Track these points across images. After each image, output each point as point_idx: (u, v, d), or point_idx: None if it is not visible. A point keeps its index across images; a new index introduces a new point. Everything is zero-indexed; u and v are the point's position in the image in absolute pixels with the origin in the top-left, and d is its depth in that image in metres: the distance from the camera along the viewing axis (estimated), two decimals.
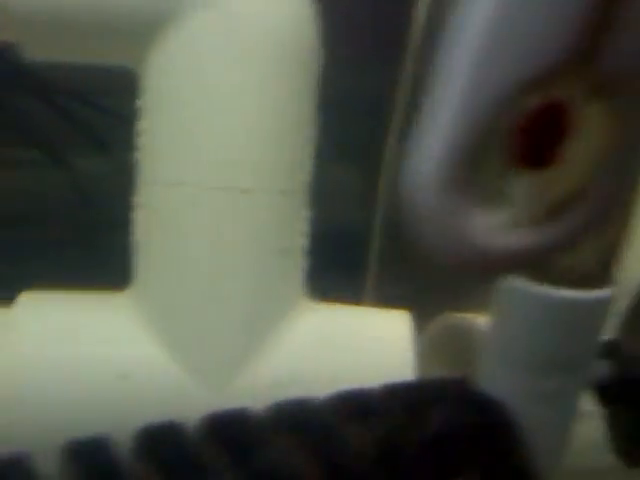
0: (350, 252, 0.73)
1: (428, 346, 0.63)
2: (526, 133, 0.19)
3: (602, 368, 0.40)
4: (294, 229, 0.61)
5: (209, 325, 0.58)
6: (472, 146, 0.19)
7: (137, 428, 0.29)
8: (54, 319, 0.57)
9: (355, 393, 0.33)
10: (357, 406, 0.32)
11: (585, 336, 0.37)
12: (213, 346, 0.58)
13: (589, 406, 0.43)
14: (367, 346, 0.58)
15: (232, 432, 0.30)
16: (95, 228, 0.71)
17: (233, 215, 0.57)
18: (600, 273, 0.36)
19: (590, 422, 0.44)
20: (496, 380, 0.38)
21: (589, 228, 0.23)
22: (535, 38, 0.17)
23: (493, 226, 0.21)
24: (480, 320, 0.58)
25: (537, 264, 0.32)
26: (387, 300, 0.66)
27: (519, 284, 0.36)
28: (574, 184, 0.21)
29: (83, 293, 0.59)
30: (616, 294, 0.37)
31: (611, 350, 0.40)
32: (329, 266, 0.69)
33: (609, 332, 0.44)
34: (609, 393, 0.40)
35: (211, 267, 0.57)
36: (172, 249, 0.57)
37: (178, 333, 0.58)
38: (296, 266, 0.61)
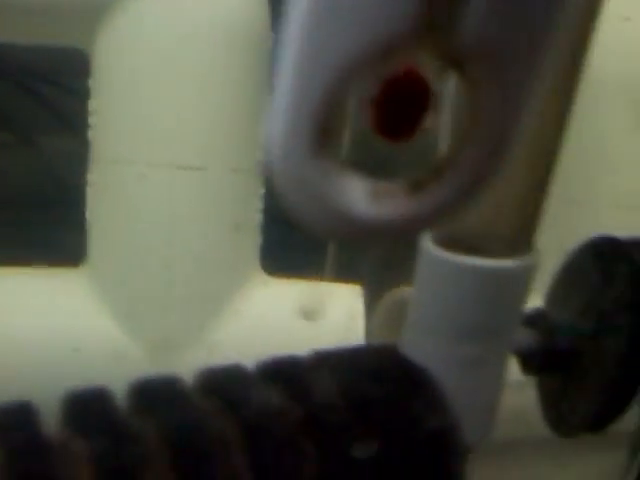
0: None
1: (381, 319, 0.64)
2: (380, 103, 0.20)
3: (527, 337, 0.41)
4: (248, 206, 0.61)
5: (162, 299, 0.58)
6: (322, 115, 0.19)
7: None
8: (6, 292, 0.58)
9: (285, 358, 0.34)
10: (284, 370, 0.33)
11: (505, 304, 0.38)
12: (166, 320, 0.59)
13: (521, 376, 0.44)
14: (318, 319, 0.58)
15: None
16: (60, 206, 0.72)
17: (185, 192, 0.58)
18: (519, 241, 0.37)
19: (524, 392, 0.45)
20: (419, 348, 0.39)
21: (461, 199, 0.23)
22: (374, 6, 0.17)
23: (363, 194, 0.22)
24: None
25: (420, 233, 0.32)
26: (347, 275, 0.67)
27: (437, 253, 0.37)
28: (441, 155, 0.21)
29: (39, 268, 0.60)
30: (539, 263, 0.38)
31: (536, 319, 0.41)
32: (291, 241, 0.69)
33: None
34: (534, 362, 0.41)
35: (163, 243, 0.58)
36: (124, 225, 0.58)
37: (131, 307, 0.59)
38: (251, 242, 0.62)
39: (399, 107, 0.20)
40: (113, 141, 0.58)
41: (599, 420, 0.41)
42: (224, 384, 0.32)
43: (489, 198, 0.37)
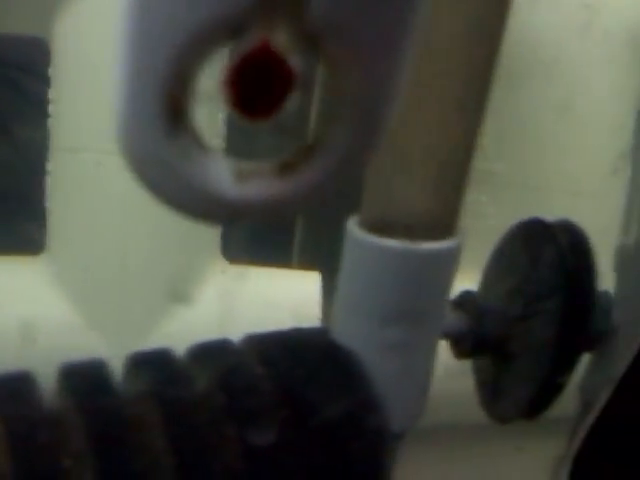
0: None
1: None
2: (236, 81, 0.20)
3: (457, 320, 0.41)
4: None
5: (120, 287, 0.59)
6: (170, 92, 0.19)
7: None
8: None
9: (215, 343, 0.34)
10: (213, 355, 0.34)
11: (430, 287, 0.38)
12: (124, 307, 0.59)
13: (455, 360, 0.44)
14: (275, 306, 0.59)
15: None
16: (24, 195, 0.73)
17: None
18: (442, 224, 0.37)
19: (461, 378, 0.45)
20: (348, 331, 0.39)
21: (332, 180, 0.23)
22: None
23: (227, 174, 0.21)
24: None
25: (296, 214, 0.32)
26: (313, 262, 0.67)
27: (361, 236, 0.37)
28: (306, 137, 0.21)
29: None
30: (463, 245, 0.38)
31: (466, 302, 0.41)
32: (257, 230, 0.70)
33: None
34: (464, 346, 0.41)
35: (121, 231, 0.58)
36: (82, 214, 0.58)
37: (92, 297, 0.59)
38: (212, 229, 0.62)
39: (256, 85, 0.20)
40: (71, 129, 0.58)
41: (532, 405, 0.41)
42: (151, 369, 0.33)
43: (411, 182, 0.37)
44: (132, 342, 0.58)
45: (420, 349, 0.39)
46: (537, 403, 0.40)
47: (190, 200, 0.21)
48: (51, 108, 0.59)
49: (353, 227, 0.37)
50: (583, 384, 0.44)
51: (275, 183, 0.22)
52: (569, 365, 0.39)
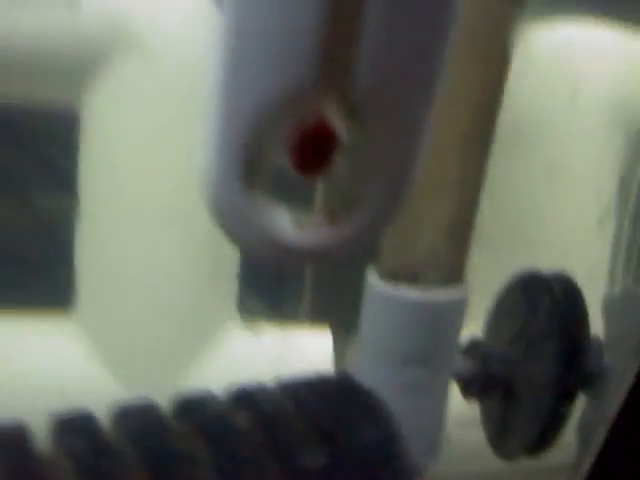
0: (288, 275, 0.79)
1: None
2: (297, 147, 0.24)
3: (466, 364, 0.45)
4: (226, 257, 0.66)
5: (146, 346, 0.63)
6: (248, 152, 0.23)
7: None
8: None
9: (251, 386, 0.38)
10: (249, 396, 0.37)
11: (443, 332, 0.42)
12: (149, 366, 0.63)
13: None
14: (289, 366, 0.63)
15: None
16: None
17: (167, 246, 0.63)
18: (452, 273, 0.42)
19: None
20: (368, 372, 0.43)
21: (371, 229, 0.27)
22: (281, 64, 0.21)
23: (289, 223, 0.26)
24: None
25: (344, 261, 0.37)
26: (323, 315, 0.72)
27: (380, 286, 0.42)
28: (350, 192, 0.26)
29: (30, 314, 0.65)
30: (468, 295, 0.42)
31: (473, 348, 0.45)
32: (267, 285, 0.74)
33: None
34: (473, 388, 0.45)
35: (145, 292, 0.62)
36: (110, 273, 0.63)
37: (119, 352, 0.63)
38: (228, 290, 0.66)
39: (312, 149, 0.24)
40: (101, 197, 0.63)
41: (537, 440, 0.45)
42: (196, 410, 0.36)
43: (424, 235, 0.42)
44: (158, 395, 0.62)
45: (435, 390, 0.43)
46: (541, 438, 0.44)
47: (259, 245, 0.26)
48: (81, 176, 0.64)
49: (372, 277, 0.42)
50: (580, 424, 0.48)
51: (325, 231, 0.26)
52: (568, 401, 0.44)
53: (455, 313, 0.42)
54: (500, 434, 0.46)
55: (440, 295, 0.41)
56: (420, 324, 0.41)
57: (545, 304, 0.43)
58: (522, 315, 0.44)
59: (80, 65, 0.61)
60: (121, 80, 0.61)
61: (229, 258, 0.66)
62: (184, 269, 0.63)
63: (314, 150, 0.24)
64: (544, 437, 0.45)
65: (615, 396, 0.44)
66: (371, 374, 0.43)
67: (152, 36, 0.60)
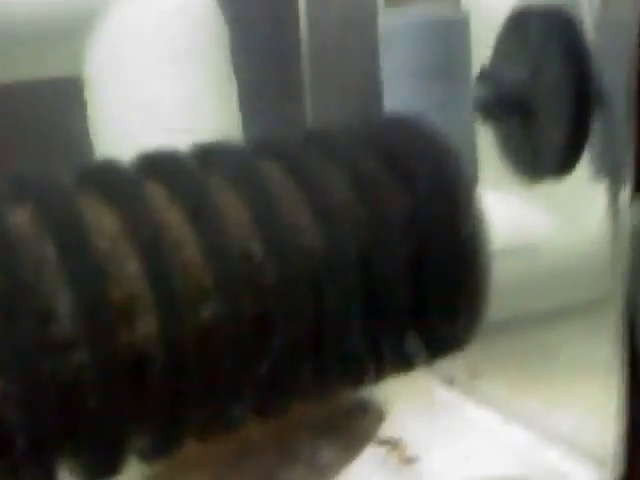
0: None
1: None
2: None
3: (480, 88, 0.47)
4: None
5: None
6: None
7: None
8: None
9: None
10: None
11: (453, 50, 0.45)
12: None
13: None
14: None
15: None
16: None
17: None
18: None
19: None
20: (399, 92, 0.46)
21: None
22: None
23: None
24: None
25: None
26: None
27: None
28: None
29: None
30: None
31: (486, 73, 0.47)
32: None
33: None
34: (490, 110, 0.48)
35: None
36: None
37: None
38: None
39: None
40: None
41: (564, 157, 0.47)
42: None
43: None
44: None
45: (459, 106, 0.46)
46: (568, 152, 0.46)
47: None
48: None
49: None
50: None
51: None
52: (586, 116, 0.46)
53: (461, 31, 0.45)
54: (526, 158, 0.49)
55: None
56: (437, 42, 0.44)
57: (555, 27, 0.45)
58: (531, 39, 0.47)
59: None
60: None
61: None
62: None
63: None
64: (570, 150, 0.47)
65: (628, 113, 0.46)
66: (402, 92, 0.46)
67: None
